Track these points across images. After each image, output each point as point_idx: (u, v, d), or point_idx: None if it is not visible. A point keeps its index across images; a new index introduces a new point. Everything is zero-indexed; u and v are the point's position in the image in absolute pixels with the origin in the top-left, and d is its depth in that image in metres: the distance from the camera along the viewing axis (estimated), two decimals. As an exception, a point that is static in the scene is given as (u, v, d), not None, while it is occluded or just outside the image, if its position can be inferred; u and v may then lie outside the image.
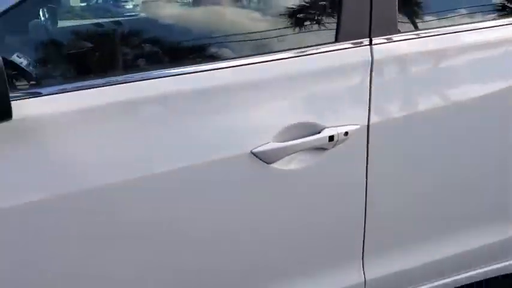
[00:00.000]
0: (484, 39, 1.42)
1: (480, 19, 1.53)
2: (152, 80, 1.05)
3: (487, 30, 1.44)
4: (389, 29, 1.28)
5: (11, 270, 0.98)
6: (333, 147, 1.18)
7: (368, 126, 1.22)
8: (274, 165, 1.14)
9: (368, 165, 1.23)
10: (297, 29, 1.25)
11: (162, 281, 1.12)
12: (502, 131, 1.44)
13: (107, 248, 1.04)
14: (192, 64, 1.09)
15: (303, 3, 1.25)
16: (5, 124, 0.86)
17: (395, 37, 1.28)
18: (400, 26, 1.30)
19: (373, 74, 1.23)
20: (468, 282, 1.61)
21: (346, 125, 1.19)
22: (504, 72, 1.42)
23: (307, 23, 1.27)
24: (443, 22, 1.47)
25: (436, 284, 1.53)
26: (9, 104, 0.83)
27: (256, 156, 1.12)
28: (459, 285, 1.59)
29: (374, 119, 1.22)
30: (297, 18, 1.25)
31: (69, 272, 1.04)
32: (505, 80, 1.42)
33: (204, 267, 1.15)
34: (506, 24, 1.46)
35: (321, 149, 1.18)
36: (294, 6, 1.24)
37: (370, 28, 1.25)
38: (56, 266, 1.02)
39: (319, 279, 1.32)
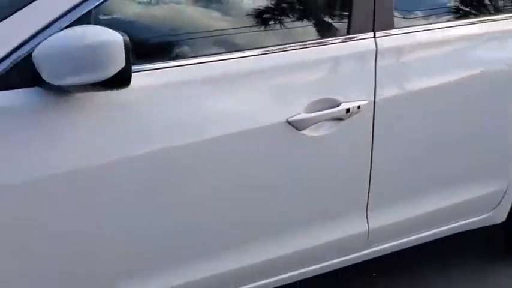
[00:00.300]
0: (456, 34, 1.78)
1: (453, 19, 1.90)
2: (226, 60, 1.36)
3: (459, 27, 1.82)
4: (388, 25, 1.62)
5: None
6: (348, 117, 1.51)
7: (374, 101, 1.55)
8: (304, 131, 1.46)
9: (374, 132, 1.57)
10: (319, 24, 1.58)
11: (225, 225, 1.43)
12: (475, 106, 1.80)
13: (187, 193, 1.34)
14: (248, 49, 1.41)
15: (324, 5, 1.59)
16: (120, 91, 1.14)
17: (392, 31, 1.63)
18: (395, 23, 1.65)
19: (377, 60, 1.57)
20: (450, 233, 1.97)
21: (359, 100, 1.52)
22: (475, 59, 1.79)
23: (326, 19, 1.60)
24: (426, 20, 1.83)
25: (426, 234, 1.89)
26: (131, 75, 1.12)
27: (290, 124, 1.43)
28: (445, 235, 1.95)
29: (378, 95, 1.56)
30: (320, 15, 1.59)
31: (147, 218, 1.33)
32: (475, 65, 1.79)
33: (255, 209, 1.47)
34: (474, 23, 1.85)
35: (339, 119, 1.51)
36: (317, 7, 1.58)
37: (374, 24, 1.58)
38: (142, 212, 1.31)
39: (333, 226, 1.65)
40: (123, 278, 1.33)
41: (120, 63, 1.07)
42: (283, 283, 1.65)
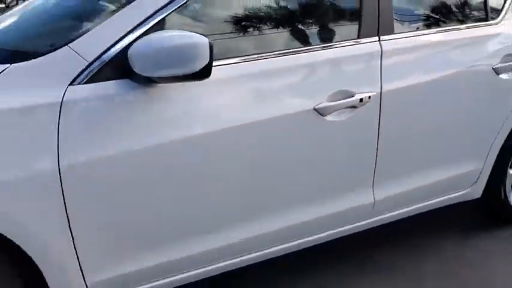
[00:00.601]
0: (438, 39, 2.17)
1: (439, 26, 2.28)
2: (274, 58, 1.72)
3: (440, 33, 2.21)
4: (389, 31, 1.98)
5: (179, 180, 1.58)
6: (361, 106, 1.86)
7: (381, 92, 1.91)
8: (327, 117, 1.80)
9: (380, 117, 1.93)
10: (336, 30, 1.94)
11: (271, 193, 1.78)
12: (457, 101, 2.19)
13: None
14: (290, 48, 1.78)
15: (339, 16, 1.98)
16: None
17: (393, 36, 1.99)
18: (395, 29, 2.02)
19: (383, 59, 1.93)
20: (438, 206, 2.35)
21: (369, 92, 1.88)
22: (458, 58, 2.18)
23: (341, 27, 1.97)
24: (417, 27, 2.21)
25: (420, 205, 2.25)
26: (211, 69, 1.43)
27: (316, 111, 1.77)
28: (434, 207, 2.33)
29: (384, 87, 1.92)
30: (336, 24, 1.96)
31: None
32: (457, 64, 2.18)
33: (287, 180, 1.80)
34: (456, 29, 2.25)
35: (353, 107, 1.85)
36: (334, 18, 1.97)
37: (378, 30, 1.95)
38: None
39: (345, 198, 1.99)
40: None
41: (205, 60, 1.38)
42: (305, 246, 1.98)
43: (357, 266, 2.27)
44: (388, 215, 2.15)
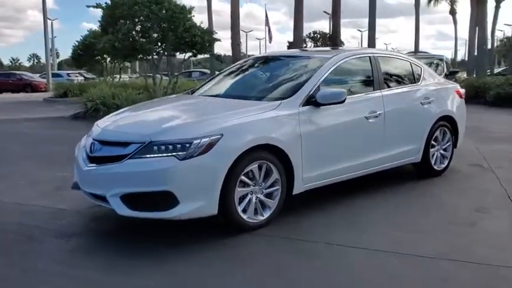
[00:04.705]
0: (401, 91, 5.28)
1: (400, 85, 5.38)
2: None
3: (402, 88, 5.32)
4: (384, 87, 5.05)
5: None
6: (378, 116, 4.83)
7: (384, 111, 4.89)
8: (369, 120, 4.73)
9: (385, 121, 4.90)
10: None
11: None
12: (410, 115, 5.29)
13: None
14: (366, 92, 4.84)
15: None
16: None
17: (385, 89, 5.05)
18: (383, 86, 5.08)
19: (383, 98, 4.96)
20: (399, 165, 5.35)
21: (381, 111, 4.86)
22: (410, 98, 5.37)
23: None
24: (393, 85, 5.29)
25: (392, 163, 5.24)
26: (345, 99, 4.30)
27: (365, 118, 4.71)
28: (398, 165, 5.32)
29: (386, 109, 4.92)
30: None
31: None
32: (408, 101, 5.31)
33: (363, 145, 4.77)
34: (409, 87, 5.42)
35: (376, 116, 4.81)
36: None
37: (379, 86, 5.00)
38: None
39: (375, 154, 4.92)
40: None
41: (344, 96, 4.30)
42: (370, 172, 4.87)
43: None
44: (388, 164, 5.10)
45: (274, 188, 4.01)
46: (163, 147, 3.56)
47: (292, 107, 4.16)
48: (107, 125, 4.20)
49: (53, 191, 5.32)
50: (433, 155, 5.62)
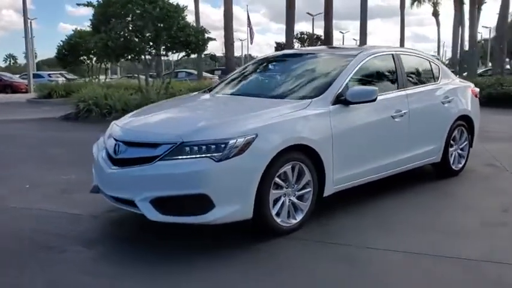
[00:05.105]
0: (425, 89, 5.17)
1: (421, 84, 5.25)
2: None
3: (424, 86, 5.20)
4: (407, 86, 4.93)
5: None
6: (404, 115, 4.70)
7: (409, 110, 4.78)
8: (395, 119, 4.61)
9: (409, 119, 4.78)
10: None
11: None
12: (432, 115, 5.17)
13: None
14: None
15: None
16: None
17: (408, 88, 4.94)
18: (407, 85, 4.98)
19: (408, 97, 4.84)
20: (422, 165, 5.24)
21: (405, 110, 4.74)
22: (432, 97, 5.25)
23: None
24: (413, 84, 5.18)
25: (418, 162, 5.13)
26: (377, 98, 4.15)
27: (392, 117, 4.58)
28: (420, 165, 5.21)
29: (410, 108, 4.79)
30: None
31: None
32: (429, 99, 5.20)
33: (388, 145, 4.63)
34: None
35: (401, 115, 4.68)
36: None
37: (403, 85, 4.87)
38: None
39: (401, 154, 4.79)
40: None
41: (376, 95, 4.15)
42: (395, 173, 4.74)
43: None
44: (412, 164, 4.99)
45: (306, 190, 3.84)
46: (196, 148, 3.36)
47: (323, 106, 4.01)
48: (131, 125, 3.97)
49: (59, 194, 5.07)
50: (451, 155, 5.53)
